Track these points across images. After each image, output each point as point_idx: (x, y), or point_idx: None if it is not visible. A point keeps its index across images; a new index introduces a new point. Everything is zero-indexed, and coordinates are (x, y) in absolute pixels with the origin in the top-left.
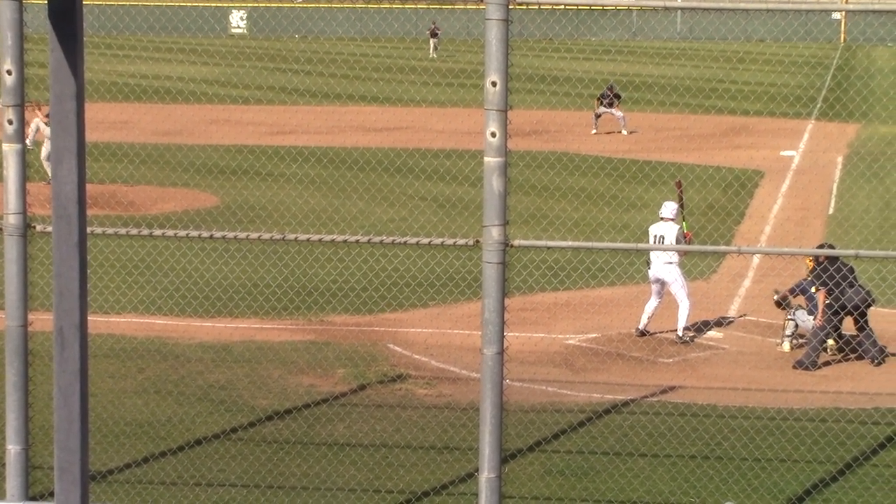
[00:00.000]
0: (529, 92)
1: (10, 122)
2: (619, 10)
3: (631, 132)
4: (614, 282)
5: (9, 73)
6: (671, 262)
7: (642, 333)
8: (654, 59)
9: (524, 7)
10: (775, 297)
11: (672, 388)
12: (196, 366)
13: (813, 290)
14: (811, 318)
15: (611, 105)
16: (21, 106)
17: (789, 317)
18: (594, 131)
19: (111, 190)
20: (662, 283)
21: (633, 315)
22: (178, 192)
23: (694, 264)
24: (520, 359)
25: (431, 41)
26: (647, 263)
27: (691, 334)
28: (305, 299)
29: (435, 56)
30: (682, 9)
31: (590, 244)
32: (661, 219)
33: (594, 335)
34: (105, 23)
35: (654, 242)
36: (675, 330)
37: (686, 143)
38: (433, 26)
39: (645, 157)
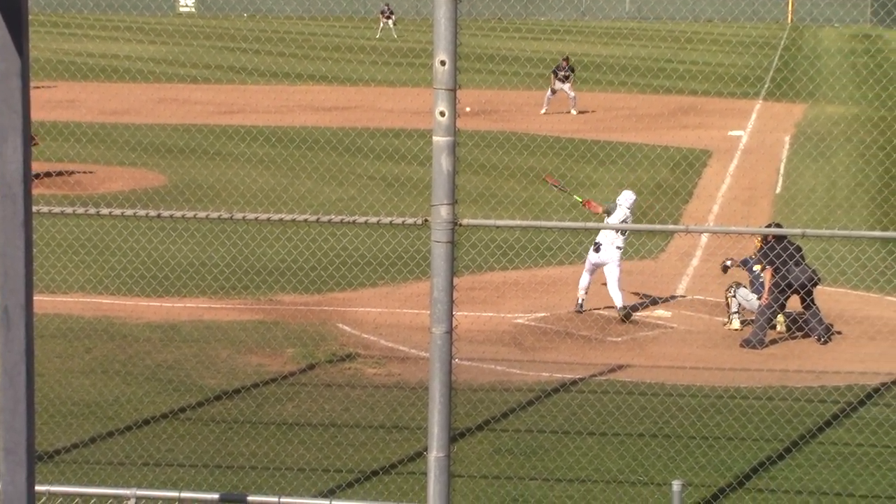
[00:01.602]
0: (478, 72)
1: None
2: None
3: (581, 112)
4: (563, 261)
5: None
6: (620, 248)
7: (580, 311)
8: (603, 38)
9: None
10: (726, 263)
11: (620, 367)
12: (144, 346)
13: (758, 268)
14: (754, 296)
15: (566, 79)
16: None
17: (730, 294)
18: (544, 111)
19: (56, 169)
20: (601, 265)
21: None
22: (126, 172)
23: (642, 243)
24: (469, 338)
25: (388, 21)
26: (596, 248)
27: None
28: (254, 279)
29: (395, 36)
30: None
31: (538, 223)
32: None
33: (543, 314)
34: (51, 0)
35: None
36: (614, 306)
37: (634, 122)
38: (385, 7)
39: (594, 137)
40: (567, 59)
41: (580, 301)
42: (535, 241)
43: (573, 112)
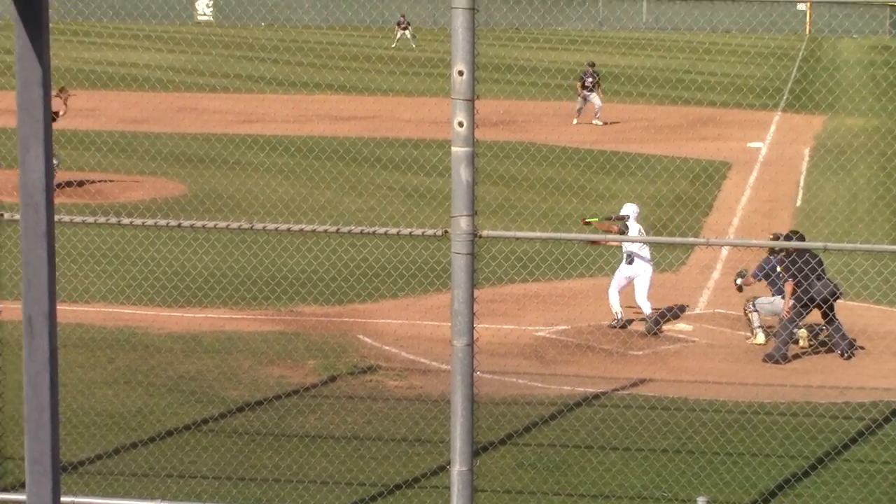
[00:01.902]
0: (496, 82)
1: None
2: None
3: (605, 123)
4: (583, 273)
5: None
6: (649, 259)
7: (624, 325)
8: (621, 49)
9: None
10: (738, 282)
11: (643, 381)
12: (166, 356)
13: (781, 282)
14: (775, 297)
15: (594, 87)
16: None
17: (749, 309)
18: (575, 121)
19: (78, 178)
20: (634, 277)
21: (602, 307)
22: (146, 181)
23: (662, 256)
24: (490, 350)
25: (405, 32)
26: (629, 259)
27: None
28: (275, 289)
29: (413, 46)
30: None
31: (558, 235)
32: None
33: (564, 327)
34: (71, 9)
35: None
36: (641, 314)
37: (653, 133)
38: (401, 18)
39: (613, 148)
40: (592, 65)
41: (620, 316)
42: (556, 252)
43: (597, 122)
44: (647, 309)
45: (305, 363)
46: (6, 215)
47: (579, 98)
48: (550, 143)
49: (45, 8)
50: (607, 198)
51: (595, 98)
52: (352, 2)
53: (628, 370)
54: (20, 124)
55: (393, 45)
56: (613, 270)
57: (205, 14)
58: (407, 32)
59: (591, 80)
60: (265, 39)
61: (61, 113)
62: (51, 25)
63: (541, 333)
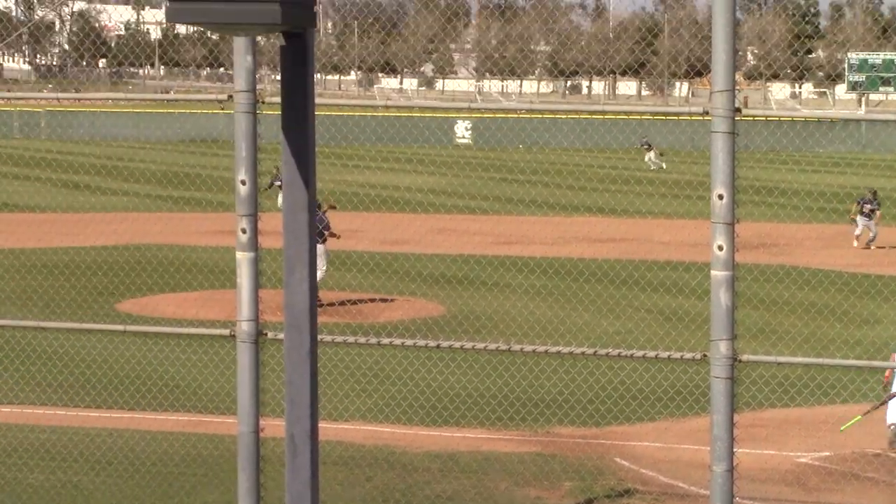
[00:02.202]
0: (757, 204)
1: (244, 231)
2: (847, 121)
3: (879, 247)
4: (847, 399)
5: (243, 183)
6: None
7: None
8: (886, 172)
9: (750, 119)
10: None
11: None
12: (423, 475)
13: None
14: None
15: (872, 214)
16: (254, 216)
17: None
18: (855, 244)
19: (338, 298)
20: None
21: (866, 434)
22: (405, 301)
23: None
24: (750, 476)
25: (650, 154)
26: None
27: None
28: (531, 410)
29: (664, 166)
30: None
31: (821, 360)
32: None
33: (827, 453)
34: (335, 134)
35: None
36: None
37: None
38: (644, 142)
39: (877, 272)
40: (875, 193)
41: None
42: (818, 378)
43: (871, 247)
44: None
45: (562, 485)
46: (269, 334)
47: (854, 222)
48: (812, 266)
49: (312, 136)
50: (871, 323)
51: (872, 224)
52: (609, 125)
53: (895, 500)
54: (286, 247)
55: (662, 167)
56: (878, 397)
57: (464, 137)
58: (652, 154)
59: (868, 206)
60: (524, 162)
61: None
62: (316, 149)
63: (802, 460)
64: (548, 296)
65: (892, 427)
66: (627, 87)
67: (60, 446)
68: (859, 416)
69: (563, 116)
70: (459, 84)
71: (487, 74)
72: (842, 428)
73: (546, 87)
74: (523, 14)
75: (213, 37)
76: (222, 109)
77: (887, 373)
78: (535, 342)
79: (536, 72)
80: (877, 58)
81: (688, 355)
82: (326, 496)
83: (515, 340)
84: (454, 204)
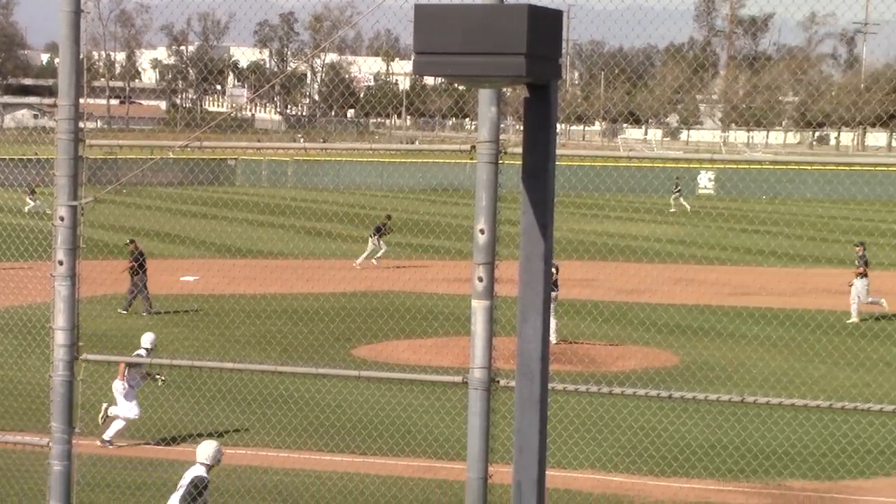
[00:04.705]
0: None
1: (481, 280)
2: None
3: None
4: None
5: (482, 231)
6: None
7: None
8: None
9: None
10: None
11: None
12: None
13: None
14: None
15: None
16: (491, 264)
17: None
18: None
19: (573, 346)
20: None
21: None
22: (639, 350)
23: None
24: None
25: (675, 194)
26: None
27: None
28: (763, 462)
29: (688, 207)
30: None
31: None
32: None
33: None
34: (576, 184)
35: None
36: None
37: None
38: (678, 179)
39: None
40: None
41: None
42: None
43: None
44: None
45: None
46: (501, 382)
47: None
48: None
49: (552, 185)
50: None
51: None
52: (856, 176)
53: None
54: (521, 295)
55: (672, 210)
56: None
57: (706, 188)
58: (678, 195)
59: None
60: (765, 213)
61: None
62: (555, 199)
63: None
64: (784, 347)
65: None
66: (876, 138)
67: (293, 488)
68: None
69: (810, 168)
70: (704, 135)
71: (733, 125)
72: None
73: (793, 138)
74: (773, 65)
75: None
76: (471, 159)
77: None
78: (769, 394)
79: (783, 123)
80: None
81: None
82: None
83: (749, 392)
84: (692, 254)
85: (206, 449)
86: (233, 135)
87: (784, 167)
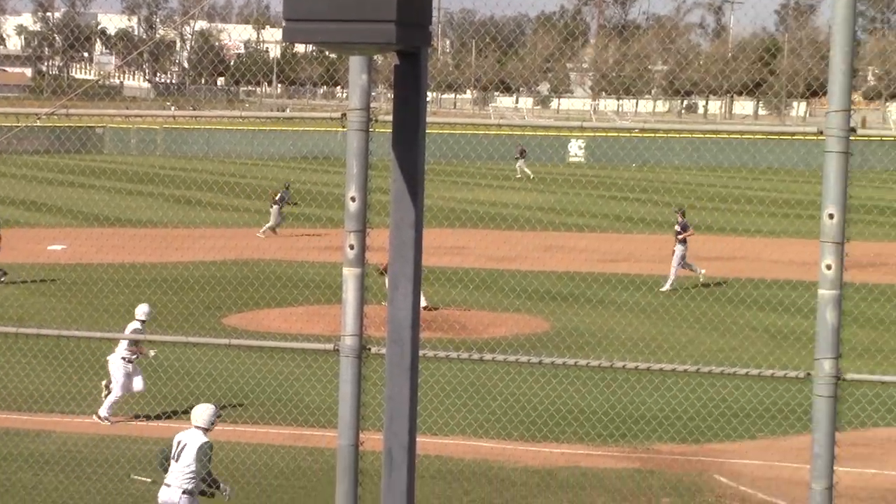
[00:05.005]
0: (868, 224)
1: (352, 247)
2: None
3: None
4: None
5: (353, 199)
6: None
7: None
8: None
9: (865, 139)
10: None
11: None
12: (521, 490)
13: None
14: None
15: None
16: (363, 232)
17: None
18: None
19: (444, 314)
20: None
21: None
22: (510, 317)
23: None
24: (850, 495)
25: (520, 162)
26: None
27: None
28: (632, 427)
29: (530, 174)
30: None
31: None
32: None
33: None
34: (446, 151)
35: None
36: None
37: None
38: (520, 146)
39: None
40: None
41: None
42: None
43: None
44: None
45: (660, 501)
46: (373, 349)
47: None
48: None
49: (422, 153)
50: None
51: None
52: (723, 144)
53: None
54: (391, 263)
55: (517, 176)
56: None
57: (577, 155)
58: (522, 162)
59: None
60: (634, 181)
61: None
62: (425, 167)
63: None
64: (652, 313)
65: None
66: (743, 106)
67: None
68: None
69: (678, 136)
70: (574, 103)
71: (603, 94)
72: None
73: (662, 106)
74: (642, 34)
75: (331, 55)
76: (342, 127)
77: None
78: (637, 359)
79: (653, 91)
80: None
81: (791, 373)
82: None
83: (618, 357)
84: (563, 221)
85: (203, 413)
86: (101, 102)
87: (653, 135)
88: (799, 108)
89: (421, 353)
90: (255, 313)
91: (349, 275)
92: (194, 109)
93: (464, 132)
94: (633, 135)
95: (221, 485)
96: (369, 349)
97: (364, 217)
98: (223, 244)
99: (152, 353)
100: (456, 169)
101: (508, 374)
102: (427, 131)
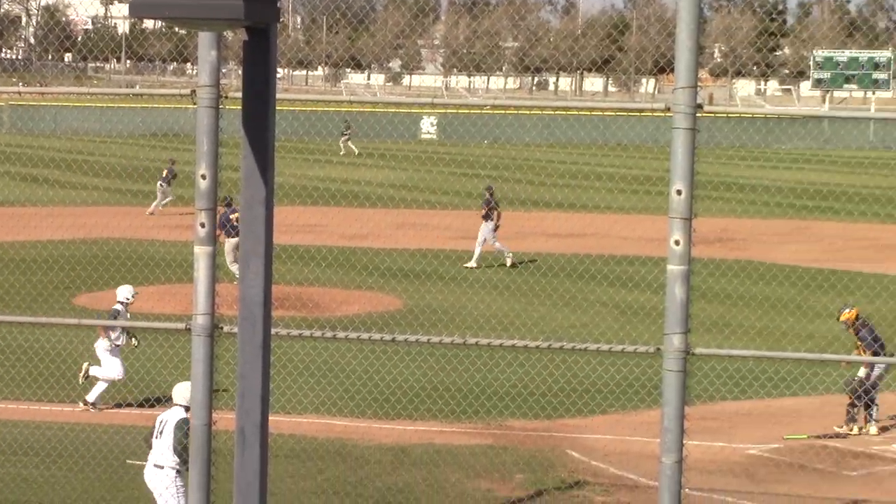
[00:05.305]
0: (715, 200)
1: (203, 226)
2: (808, 119)
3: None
4: (797, 392)
5: (203, 177)
6: None
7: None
8: (844, 168)
9: (711, 115)
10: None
11: (856, 503)
12: (375, 468)
13: None
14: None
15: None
16: (213, 210)
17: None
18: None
19: (297, 292)
20: None
21: (817, 425)
22: (363, 295)
23: (878, 376)
24: (699, 468)
25: (344, 137)
26: None
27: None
28: (485, 403)
29: (355, 150)
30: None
31: (773, 353)
32: None
33: (776, 446)
34: (297, 128)
35: None
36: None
37: (875, 252)
38: (347, 121)
39: (832, 266)
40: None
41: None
42: (769, 371)
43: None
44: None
45: (513, 477)
46: (225, 328)
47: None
48: (768, 260)
49: (272, 131)
50: (824, 316)
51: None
52: (573, 121)
53: (841, 491)
54: (242, 241)
55: (342, 152)
56: (828, 390)
57: (429, 132)
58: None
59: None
60: (486, 158)
61: None
62: (277, 144)
63: (752, 451)
64: (504, 290)
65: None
66: (592, 83)
67: (11, 440)
68: (807, 436)
69: (529, 112)
70: (426, 80)
71: (455, 70)
72: (785, 437)
73: (513, 83)
74: (492, 10)
75: (180, 31)
76: (193, 104)
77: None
78: (490, 336)
79: (503, 68)
80: (842, 55)
81: (641, 348)
82: (277, 489)
83: (471, 334)
84: (415, 198)
85: (183, 391)
86: None
87: (504, 112)
88: (648, 84)
89: (273, 331)
90: (106, 293)
91: (200, 253)
92: (41, 86)
93: (315, 109)
94: (484, 111)
95: None
96: (221, 328)
97: (215, 195)
98: (72, 223)
99: (134, 341)
100: (308, 146)
101: (362, 351)
102: (278, 108)
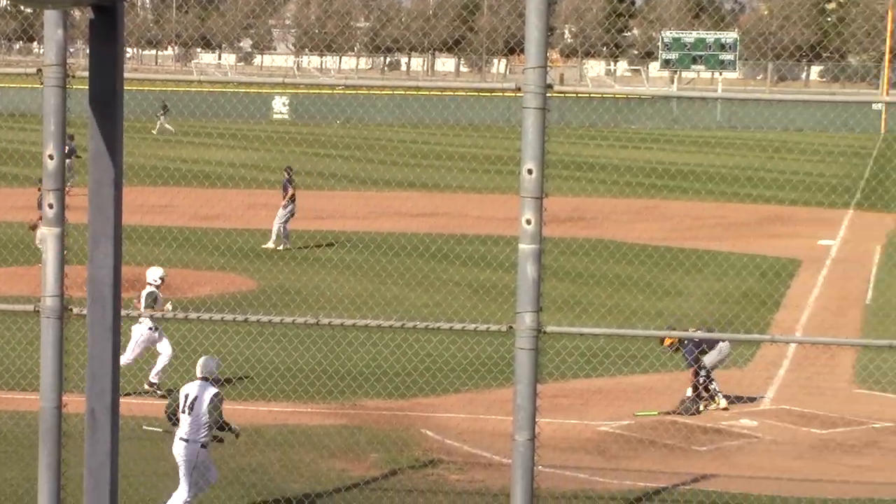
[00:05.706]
0: (566, 179)
1: (51, 206)
2: (657, 99)
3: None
4: (647, 369)
5: (51, 157)
6: None
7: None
8: (692, 148)
9: (562, 95)
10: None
11: (705, 477)
12: (228, 449)
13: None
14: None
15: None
16: (61, 190)
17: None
18: None
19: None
20: None
21: (667, 401)
22: (216, 276)
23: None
24: (552, 445)
25: (162, 119)
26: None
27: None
28: (339, 383)
29: (172, 130)
30: (722, 99)
31: (623, 331)
32: None
33: (627, 422)
34: (147, 108)
35: None
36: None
37: (723, 231)
38: (164, 101)
39: (681, 245)
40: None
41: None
42: (620, 348)
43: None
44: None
45: (368, 457)
46: (74, 310)
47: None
48: (619, 239)
49: (120, 110)
50: (673, 294)
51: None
52: (424, 101)
53: (691, 465)
54: (91, 221)
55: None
56: (677, 367)
57: (281, 112)
58: (164, 119)
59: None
60: (337, 137)
61: None
62: (126, 124)
63: (604, 428)
64: (357, 270)
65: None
66: (444, 63)
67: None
68: (657, 413)
69: (381, 92)
70: (277, 60)
71: (306, 50)
72: (636, 413)
73: (365, 63)
74: None
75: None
76: (41, 84)
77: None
78: (343, 316)
79: (355, 48)
80: (689, 36)
81: (494, 327)
82: (129, 471)
83: (324, 314)
84: (266, 179)
85: (208, 364)
86: None
87: (356, 91)
88: (499, 65)
89: (124, 312)
90: None
91: (49, 234)
92: None
93: (164, 89)
94: (336, 91)
95: (233, 426)
96: (71, 310)
97: (63, 175)
98: None
99: (168, 305)
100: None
101: (214, 332)
102: (127, 88)
